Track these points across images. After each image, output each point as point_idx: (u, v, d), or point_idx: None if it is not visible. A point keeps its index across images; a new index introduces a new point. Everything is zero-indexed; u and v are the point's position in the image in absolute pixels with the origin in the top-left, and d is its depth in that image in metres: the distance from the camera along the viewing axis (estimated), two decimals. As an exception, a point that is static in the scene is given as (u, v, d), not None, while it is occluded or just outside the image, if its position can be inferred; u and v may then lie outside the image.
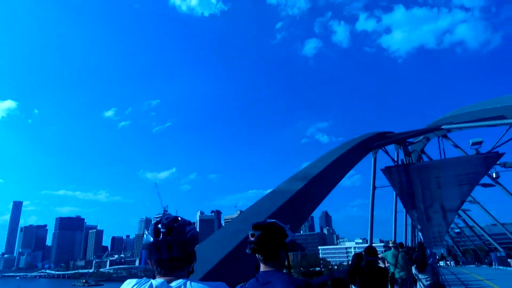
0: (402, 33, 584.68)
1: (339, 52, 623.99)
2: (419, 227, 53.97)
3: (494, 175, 30.12)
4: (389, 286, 10.14)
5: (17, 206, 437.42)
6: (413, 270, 10.97)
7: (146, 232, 1.73)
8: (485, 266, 42.65)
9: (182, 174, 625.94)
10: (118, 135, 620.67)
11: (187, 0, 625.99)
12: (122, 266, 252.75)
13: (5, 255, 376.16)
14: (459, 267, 47.28)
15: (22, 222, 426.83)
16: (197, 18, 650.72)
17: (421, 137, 30.52)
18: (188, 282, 1.58)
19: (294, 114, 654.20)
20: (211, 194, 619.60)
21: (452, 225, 64.59)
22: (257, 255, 2.18)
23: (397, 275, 10.59)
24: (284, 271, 2.19)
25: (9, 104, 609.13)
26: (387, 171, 24.13)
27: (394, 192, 32.13)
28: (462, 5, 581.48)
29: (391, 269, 10.71)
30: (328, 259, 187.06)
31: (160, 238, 1.65)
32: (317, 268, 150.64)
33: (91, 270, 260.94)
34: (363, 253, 6.82)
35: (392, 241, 12.18)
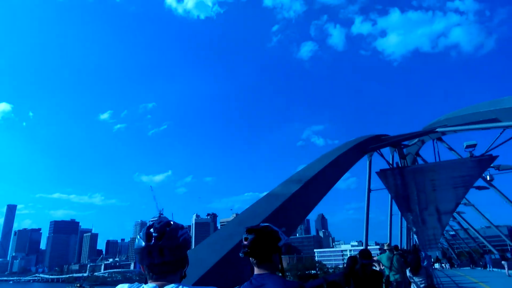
0: (397, 36, 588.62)
1: (335, 55, 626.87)
2: (414, 229, 54.16)
3: (488, 178, 30.33)
4: (384, 289, 10.17)
5: (11, 210, 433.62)
6: (407, 273, 11.00)
7: (138, 237, 1.71)
8: (479, 268, 42.84)
9: (178, 177, 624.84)
10: (114, 138, 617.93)
11: (183, 3, 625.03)
12: (117, 270, 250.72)
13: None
14: (454, 270, 47.44)
15: (16, 226, 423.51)
16: (193, 21, 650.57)
17: (416, 140, 30.69)
18: (180, 287, 1.57)
19: (290, 117, 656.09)
20: (207, 197, 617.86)
21: (447, 228, 64.87)
22: (250, 258, 2.19)
23: (392, 278, 10.62)
24: (278, 274, 2.19)
25: (4, 106, 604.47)
26: (382, 174, 24.21)
27: (390, 195, 32.24)
28: (457, 9, 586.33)
29: (386, 272, 10.74)
30: (324, 262, 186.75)
31: (152, 243, 1.63)
32: (312, 271, 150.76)
33: (85, 274, 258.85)
34: (358, 256, 6.82)
35: (387, 244, 12.20)
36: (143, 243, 1.65)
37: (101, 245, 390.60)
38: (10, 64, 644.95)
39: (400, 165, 25.38)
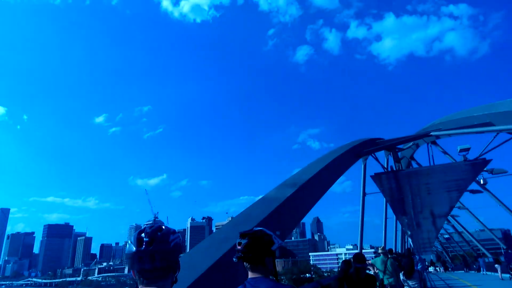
0: (392, 40, 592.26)
1: (330, 59, 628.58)
2: (409, 233, 54.32)
3: (482, 182, 30.54)
4: (378, 292, 10.19)
5: (4, 213, 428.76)
6: (401, 277, 11.03)
7: (129, 242, 1.70)
8: (473, 271, 43.09)
9: (173, 181, 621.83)
10: (109, 141, 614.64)
11: (179, 7, 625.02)
12: (111, 274, 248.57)
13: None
14: (448, 273, 47.72)
15: (9, 230, 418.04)
16: (189, 25, 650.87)
17: (411, 144, 30.85)
18: None
19: (285, 120, 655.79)
20: (203, 201, 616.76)
21: (442, 231, 65.21)
22: (244, 263, 2.21)
23: (386, 282, 10.64)
24: (272, 278, 2.21)
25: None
26: (376, 177, 24.30)
27: (384, 199, 32.35)
28: (451, 14, 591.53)
29: (380, 275, 10.76)
30: (319, 266, 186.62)
31: (143, 248, 1.62)
32: (307, 275, 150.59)
33: (79, 278, 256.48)
34: (352, 260, 6.84)
35: (382, 247, 12.22)
36: (134, 248, 1.63)
37: (95, 249, 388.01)
38: (5, 67, 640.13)
39: (394, 169, 25.49)
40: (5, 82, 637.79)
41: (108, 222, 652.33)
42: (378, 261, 11.03)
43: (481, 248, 52.04)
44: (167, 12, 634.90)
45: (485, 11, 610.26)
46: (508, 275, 25.62)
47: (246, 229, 2.33)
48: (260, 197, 9.71)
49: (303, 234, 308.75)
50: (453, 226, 61.45)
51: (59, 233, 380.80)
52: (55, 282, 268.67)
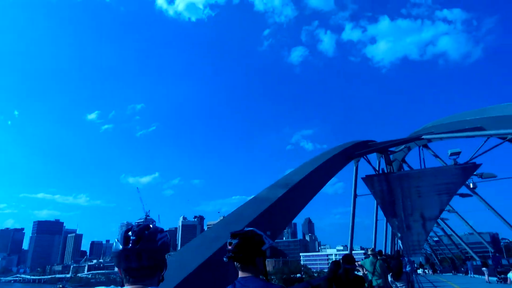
0: (387, 43, 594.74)
1: (325, 60, 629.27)
2: (399, 235, 54.69)
3: (471, 186, 30.93)
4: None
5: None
6: (389, 278, 11.15)
7: (116, 240, 1.69)
8: (461, 274, 43.61)
9: (165, 179, 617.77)
10: (101, 138, 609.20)
11: (174, 5, 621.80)
12: (101, 271, 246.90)
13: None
14: (437, 275, 48.17)
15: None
16: (184, 23, 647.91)
17: (403, 147, 31.12)
18: None
19: (279, 121, 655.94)
20: (195, 200, 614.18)
21: (431, 234, 65.80)
22: (235, 262, 2.25)
23: (374, 283, 10.75)
24: (261, 277, 2.25)
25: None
26: (368, 179, 24.47)
27: (375, 201, 32.58)
28: (445, 18, 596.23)
29: (369, 276, 10.87)
30: (309, 266, 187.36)
31: (130, 246, 1.61)
32: (298, 275, 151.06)
33: (68, 275, 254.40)
34: (341, 261, 6.91)
35: (371, 249, 12.34)
36: (120, 247, 1.63)
37: (85, 246, 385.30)
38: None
39: (386, 171, 25.70)
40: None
41: (99, 220, 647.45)
42: (368, 262, 11.14)
43: (470, 251, 52.59)
44: (161, 10, 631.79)
45: (478, 16, 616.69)
46: (495, 278, 25.95)
47: (237, 228, 2.36)
48: (252, 197, 9.76)
49: (294, 234, 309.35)
50: (442, 229, 62.08)
51: (49, 230, 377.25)
52: (44, 278, 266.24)
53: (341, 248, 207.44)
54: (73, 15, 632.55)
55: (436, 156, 28.38)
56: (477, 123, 22.21)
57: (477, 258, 44.20)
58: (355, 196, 27.81)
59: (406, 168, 33.74)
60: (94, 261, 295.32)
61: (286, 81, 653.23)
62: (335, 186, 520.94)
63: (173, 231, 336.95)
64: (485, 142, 22.72)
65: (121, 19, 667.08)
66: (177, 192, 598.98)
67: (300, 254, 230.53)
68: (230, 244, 2.24)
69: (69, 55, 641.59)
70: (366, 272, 11.03)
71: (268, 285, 2.12)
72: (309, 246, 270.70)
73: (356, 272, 7.78)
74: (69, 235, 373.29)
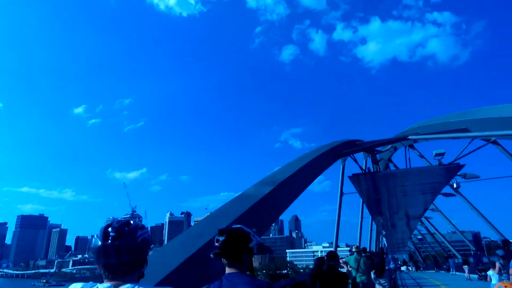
0: (377, 44, 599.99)
1: (316, 59, 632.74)
2: (383, 233, 55.50)
3: (455, 185, 31.46)
4: (350, 290, 10.48)
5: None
6: (372, 275, 11.37)
7: (95, 236, 1.69)
8: (443, 271, 44.53)
9: (153, 175, 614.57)
10: (88, 132, 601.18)
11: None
12: (86, 266, 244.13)
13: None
14: (419, 272, 49.12)
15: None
16: (175, 18, 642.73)
17: (389, 146, 31.50)
18: (136, 287, 1.54)
19: (269, 118, 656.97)
20: (182, 196, 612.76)
21: (415, 232, 66.87)
22: (222, 259, 2.29)
23: (358, 279, 10.95)
24: (248, 273, 2.29)
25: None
26: (354, 178, 24.69)
27: (361, 199, 32.93)
28: (435, 21, 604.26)
29: (353, 273, 11.07)
30: (295, 262, 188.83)
31: (109, 242, 1.60)
32: (284, 271, 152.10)
33: (52, 270, 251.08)
34: (325, 258, 7.03)
35: (356, 246, 12.55)
36: (100, 243, 1.62)
37: (70, 241, 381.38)
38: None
39: (372, 170, 25.98)
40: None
41: (85, 215, 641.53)
42: (352, 259, 11.34)
43: (452, 249, 53.63)
44: (152, 4, 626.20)
45: (468, 19, 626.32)
46: (476, 276, 26.57)
47: (223, 225, 2.40)
48: (239, 194, 9.81)
49: (281, 231, 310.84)
50: (426, 228, 63.09)
51: (33, 224, 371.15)
52: (27, 273, 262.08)
53: (327, 245, 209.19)
54: (61, 7, 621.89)
55: (422, 156, 28.79)
56: (462, 125, 22.59)
57: (459, 256, 45.10)
58: (342, 194, 28.05)
59: (392, 167, 34.14)
60: (79, 256, 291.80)
61: (276, 79, 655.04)
62: (322, 184, 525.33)
63: (160, 227, 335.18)
64: (469, 143, 23.13)
65: (111, 12, 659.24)
66: (164, 188, 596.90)
67: (287, 250, 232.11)
68: (218, 241, 2.28)
69: (56, 48, 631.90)
70: (350, 269, 11.23)
71: (254, 281, 2.17)
72: (295, 243, 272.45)
73: (340, 269, 7.91)
74: (53, 230, 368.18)
